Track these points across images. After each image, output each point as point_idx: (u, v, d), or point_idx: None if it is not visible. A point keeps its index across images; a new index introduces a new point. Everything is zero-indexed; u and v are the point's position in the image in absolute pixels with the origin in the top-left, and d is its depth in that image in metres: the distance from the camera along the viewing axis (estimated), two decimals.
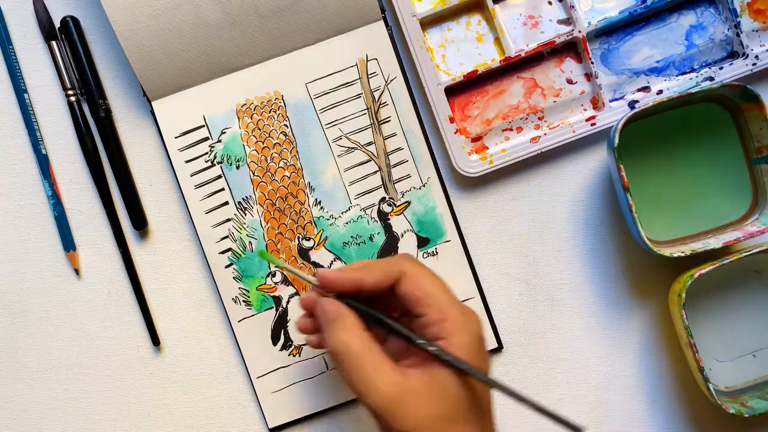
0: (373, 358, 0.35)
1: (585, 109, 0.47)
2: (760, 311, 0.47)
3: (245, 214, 0.47)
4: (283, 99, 0.47)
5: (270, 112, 0.47)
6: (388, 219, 0.47)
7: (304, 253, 0.47)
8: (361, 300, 0.38)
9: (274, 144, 0.47)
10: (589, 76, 0.47)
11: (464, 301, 0.47)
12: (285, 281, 0.47)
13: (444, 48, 0.48)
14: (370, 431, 0.48)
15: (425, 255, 0.47)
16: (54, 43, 0.47)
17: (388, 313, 0.38)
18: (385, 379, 0.34)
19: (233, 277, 0.47)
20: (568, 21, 0.47)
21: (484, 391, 0.37)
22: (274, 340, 0.47)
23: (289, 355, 0.47)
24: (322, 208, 0.47)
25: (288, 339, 0.47)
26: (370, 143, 0.47)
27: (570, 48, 0.47)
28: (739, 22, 0.46)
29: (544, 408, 0.35)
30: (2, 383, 0.48)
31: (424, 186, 0.47)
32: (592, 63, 0.47)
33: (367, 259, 0.47)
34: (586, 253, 0.48)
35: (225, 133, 0.47)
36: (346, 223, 0.47)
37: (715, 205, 0.47)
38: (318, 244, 0.47)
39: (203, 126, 0.47)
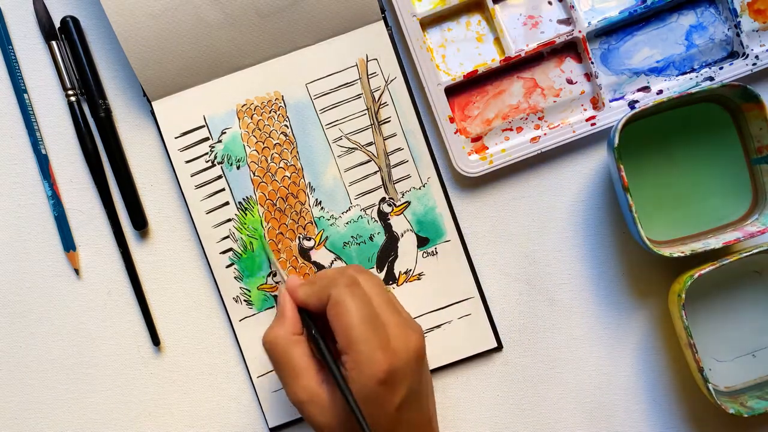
0: (295, 361, 0.40)
1: (585, 109, 0.47)
2: (760, 311, 0.47)
3: (246, 215, 0.47)
4: (283, 99, 0.47)
5: (270, 113, 0.47)
6: (388, 219, 0.47)
7: (304, 253, 0.47)
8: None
9: (275, 144, 0.47)
10: (589, 76, 0.47)
11: (463, 300, 0.47)
12: None
13: (444, 48, 0.48)
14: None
15: (425, 255, 0.47)
16: (54, 43, 0.47)
17: None
18: (300, 382, 0.39)
19: (234, 277, 0.47)
20: (568, 21, 0.47)
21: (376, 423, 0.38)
22: None
23: None
24: (322, 208, 0.47)
25: None
26: (370, 143, 0.47)
27: (570, 48, 0.47)
28: (739, 22, 0.46)
29: None
30: (2, 383, 0.48)
31: (424, 186, 0.47)
32: (592, 63, 0.47)
33: (325, 270, 0.46)
34: (586, 253, 0.48)
35: (225, 133, 0.47)
36: (347, 223, 0.47)
37: (715, 205, 0.47)
38: (319, 244, 0.47)
39: (203, 126, 0.47)
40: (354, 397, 0.37)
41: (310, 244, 0.47)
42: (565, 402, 0.48)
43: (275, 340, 0.40)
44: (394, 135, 0.47)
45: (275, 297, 0.47)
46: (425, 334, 0.47)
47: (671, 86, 0.47)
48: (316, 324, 0.41)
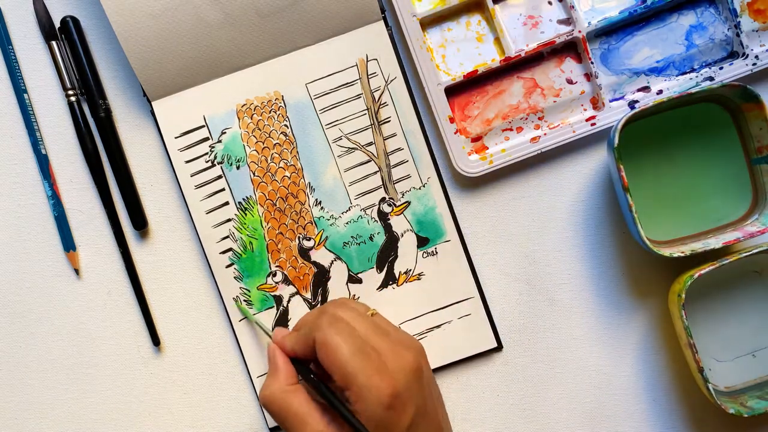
0: (296, 409, 0.40)
1: (585, 109, 0.47)
2: (760, 311, 0.47)
3: (246, 215, 0.47)
4: (283, 99, 0.47)
5: (270, 113, 0.47)
6: (388, 219, 0.47)
7: (304, 253, 0.47)
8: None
9: (275, 144, 0.47)
10: (589, 76, 0.47)
11: (463, 300, 0.47)
12: (286, 281, 0.47)
13: (444, 48, 0.48)
14: None
15: (425, 255, 0.47)
16: (54, 43, 0.47)
17: None
18: (306, 429, 0.39)
19: (234, 277, 0.47)
20: (568, 21, 0.47)
21: None
22: None
23: None
24: (322, 208, 0.47)
25: None
26: (370, 143, 0.47)
27: (570, 48, 0.47)
28: (739, 22, 0.46)
29: None
30: (2, 383, 0.48)
31: (424, 186, 0.47)
32: (592, 63, 0.47)
33: (307, 314, 0.45)
34: (586, 253, 0.48)
35: (225, 133, 0.47)
36: (347, 223, 0.47)
37: (715, 205, 0.47)
38: (318, 244, 0.47)
39: (203, 126, 0.47)
40: (365, 427, 0.37)
41: (310, 244, 0.47)
42: (565, 402, 0.48)
43: (272, 395, 0.40)
44: (394, 135, 0.47)
45: (275, 297, 0.47)
46: (425, 335, 0.47)
47: (671, 86, 0.47)
48: (311, 368, 0.41)
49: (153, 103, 0.47)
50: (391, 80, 0.47)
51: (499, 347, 0.48)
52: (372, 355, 0.39)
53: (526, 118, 0.47)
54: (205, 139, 0.47)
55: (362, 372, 0.38)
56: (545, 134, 0.47)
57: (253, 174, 0.47)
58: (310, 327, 0.40)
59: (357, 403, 0.38)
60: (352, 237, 0.47)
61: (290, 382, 0.41)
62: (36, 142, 0.48)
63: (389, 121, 0.47)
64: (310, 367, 0.42)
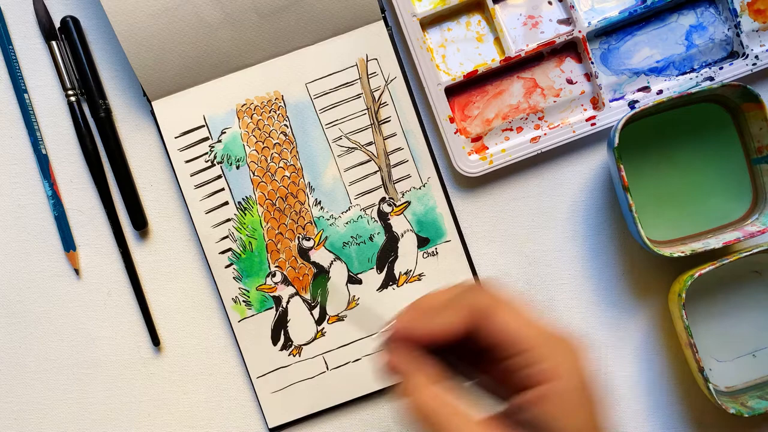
0: (452, 416, 0.30)
1: (585, 109, 0.47)
2: (760, 311, 0.47)
3: (245, 214, 0.47)
4: (283, 99, 0.47)
5: (270, 112, 0.47)
6: (388, 219, 0.47)
7: (304, 253, 0.47)
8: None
9: (274, 144, 0.47)
10: (589, 76, 0.47)
11: None
12: (285, 281, 0.47)
13: (444, 48, 0.48)
14: (368, 431, 0.48)
15: (425, 255, 0.47)
16: (54, 43, 0.47)
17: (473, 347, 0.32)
18: None
19: (233, 277, 0.47)
20: (568, 21, 0.47)
21: None
22: (274, 340, 0.47)
23: (289, 355, 0.47)
24: (322, 208, 0.47)
25: (288, 339, 0.47)
26: (370, 143, 0.47)
27: (570, 48, 0.47)
28: (739, 22, 0.46)
29: None
30: (2, 383, 0.48)
31: (424, 186, 0.47)
32: (592, 63, 0.47)
33: (431, 294, 0.34)
34: (586, 253, 0.48)
35: (225, 133, 0.47)
36: (346, 223, 0.47)
37: (715, 205, 0.47)
38: (318, 244, 0.47)
39: (203, 126, 0.47)
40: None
41: (310, 244, 0.47)
42: None
43: (422, 403, 0.31)
44: (394, 135, 0.47)
45: (274, 297, 0.47)
46: None
47: (671, 86, 0.47)
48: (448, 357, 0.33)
49: (153, 103, 0.47)
50: (391, 80, 0.47)
51: None
52: (550, 331, 0.31)
53: (526, 118, 0.47)
54: (205, 139, 0.47)
55: (549, 341, 0.30)
56: (545, 134, 0.47)
57: (253, 174, 0.47)
58: (461, 301, 0.31)
59: (553, 380, 0.29)
60: (351, 237, 0.47)
61: (434, 379, 0.32)
62: (36, 142, 0.48)
63: (389, 120, 0.47)
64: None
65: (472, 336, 0.31)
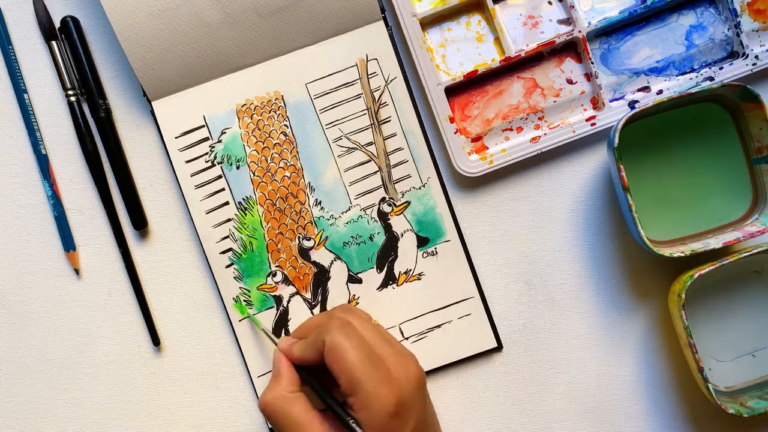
0: (296, 417, 0.39)
1: (585, 109, 0.47)
2: (760, 311, 0.47)
3: (245, 214, 0.47)
4: (283, 99, 0.47)
5: (270, 112, 0.47)
6: (388, 219, 0.47)
7: (304, 253, 0.47)
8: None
9: (275, 144, 0.47)
10: (589, 76, 0.47)
11: (463, 300, 0.47)
12: (286, 281, 0.47)
13: (444, 48, 0.48)
14: None
15: (425, 255, 0.47)
16: (54, 43, 0.47)
17: None
18: None
19: (234, 277, 0.47)
20: (568, 21, 0.47)
21: None
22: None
23: None
24: (322, 208, 0.47)
25: None
26: (370, 143, 0.47)
27: (570, 48, 0.47)
28: (739, 22, 0.46)
29: None
30: (2, 383, 0.48)
31: (424, 186, 0.47)
32: (592, 63, 0.47)
33: (312, 318, 0.46)
34: (586, 253, 0.48)
35: (225, 133, 0.47)
36: (347, 223, 0.47)
37: (715, 205, 0.47)
38: (318, 244, 0.47)
39: (203, 126, 0.47)
40: None
41: (310, 244, 0.47)
42: (565, 402, 0.48)
43: (273, 401, 0.40)
44: (394, 135, 0.47)
45: (275, 297, 0.47)
46: (425, 335, 0.47)
47: (671, 86, 0.47)
48: (315, 376, 0.42)
49: (153, 103, 0.47)
50: (391, 80, 0.47)
51: (499, 347, 0.48)
52: (379, 363, 0.39)
53: (526, 118, 0.47)
54: (205, 139, 0.47)
55: (370, 379, 0.38)
56: (545, 134, 0.47)
57: (253, 174, 0.47)
58: (319, 330, 0.40)
59: (361, 411, 0.38)
60: (352, 237, 0.47)
61: (292, 389, 0.41)
62: (36, 142, 0.48)
63: (389, 121, 0.47)
64: (315, 376, 0.42)
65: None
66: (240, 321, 0.47)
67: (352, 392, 0.38)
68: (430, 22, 0.47)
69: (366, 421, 0.38)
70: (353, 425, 0.38)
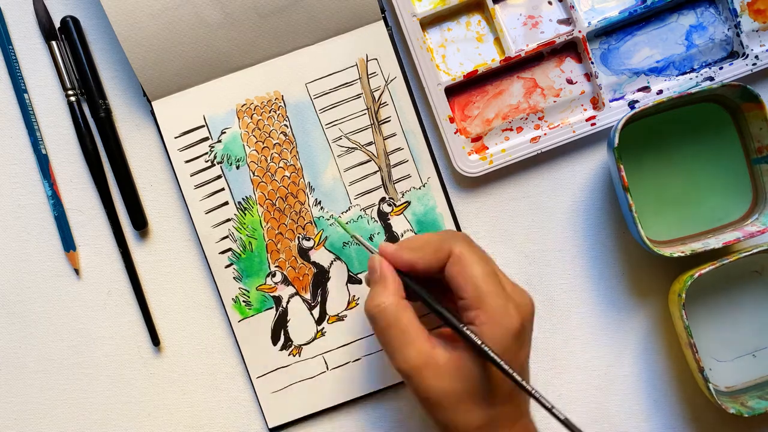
0: (405, 326, 0.37)
1: (585, 109, 0.47)
2: (760, 311, 0.47)
3: (245, 214, 0.47)
4: (283, 99, 0.47)
5: (270, 112, 0.47)
6: (388, 219, 0.47)
7: (304, 253, 0.47)
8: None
9: (274, 144, 0.47)
10: (589, 76, 0.47)
11: None
12: (285, 281, 0.47)
13: (444, 48, 0.48)
14: (368, 431, 0.48)
15: None
16: (54, 43, 0.47)
17: (444, 287, 0.39)
18: (413, 348, 0.36)
19: (233, 277, 0.47)
20: (568, 21, 0.47)
21: (505, 381, 0.37)
22: (274, 340, 0.47)
23: (289, 355, 0.47)
24: (322, 208, 0.47)
25: (288, 339, 0.47)
26: (370, 143, 0.47)
27: (570, 48, 0.47)
28: (739, 22, 0.46)
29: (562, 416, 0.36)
30: (2, 383, 0.48)
31: (424, 186, 0.47)
32: (592, 63, 0.47)
33: (420, 235, 0.45)
34: (586, 253, 0.48)
35: (225, 133, 0.47)
36: (347, 223, 0.47)
37: (715, 205, 0.47)
38: (318, 244, 0.47)
39: (203, 126, 0.47)
40: (491, 350, 0.35)
41: (310, 244, 0.47)
42: (566, 402, 0.48)
43: (383, 306, 0.37)
44: (394, 135, 0.47)
45: (274, 297, 0.47)
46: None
47: (671, 86, 0.47)
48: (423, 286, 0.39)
49: (153, 103, 0.47)
50: (391, 80, 0.47)
51: None
52: (501, 285, 0.37)
53: (526, 118, 0.47)
54: (205, 139, 0.47)
55: (498, 296, 0.36)
56: (545, 134, 0.47)
57: (253, 174, 0.47)
58: (442, 239, 0.38)
59: (485, 325, 0.36)
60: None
61: (401, 295, 0.38)
62: (36, 142, 0.48)
63: (389, 120, 0.47)
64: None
65: (441, 273, 0.38)
66: (240, 321, 0.47)
67: (478, 305, 0.36)
68: (430, 22, 0.47)
69: (491, 337, 0.35)
70: (473, 336, 0.36)
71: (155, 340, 0.48)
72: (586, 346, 0.48)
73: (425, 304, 0.38)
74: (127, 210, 0.48)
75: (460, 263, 0.37)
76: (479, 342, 0.36)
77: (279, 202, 0.47)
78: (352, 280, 0.47)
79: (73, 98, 0.48)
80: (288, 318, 0.47)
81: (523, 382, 0.35)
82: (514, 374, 0.35)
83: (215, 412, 0.48)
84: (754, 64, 0.46)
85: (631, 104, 0.47)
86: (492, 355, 0.35)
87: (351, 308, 0.47)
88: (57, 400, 0.48)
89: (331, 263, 0.47)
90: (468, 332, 0.36)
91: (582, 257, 0.48)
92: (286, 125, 0.47)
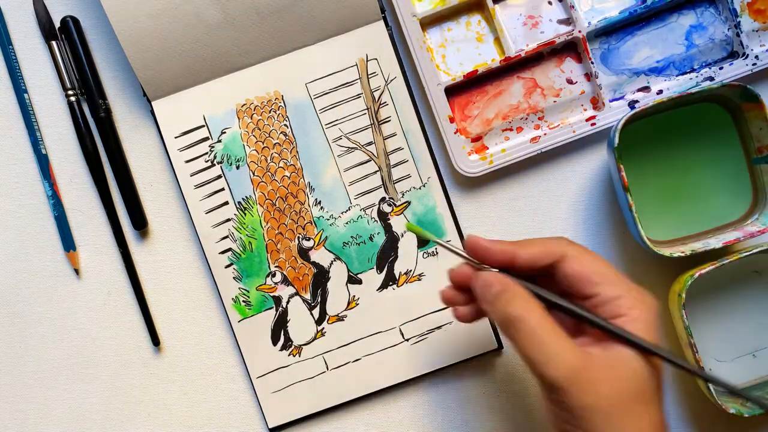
0: (552, 330, 0.34)
1: (585, 109, 0.47)
2: (760, 311, 0.47)
3: (245, 214, 0.47)
4: (283, 99, 0.47)
5: (270, 112, 0.47)
6: (388, 219, 0.47)
7: (304, 253, 0.47)
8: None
9: (274, 144, 0.47)
10: (589, 76, 0.47)
11: None
12: (285, 281, 0.47)
13: (444, 48, 0.48)
14: (368, 431, 0.48)
15: (425, 255, 0.47)
16: (54, 43, 0.47)
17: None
18: (569, 353, 0.33)
19: (233, 277, 0.47)
20: (568, 21, 0.47)
21: (661, 371, 0.35)
22: (274, 340, 0.47)
23: (289, 355, 0.47)
24: (322, 208, 0.47)
25: (288, 339, 0.47)
26: (370, 143, 0.47)
27: (570, 48, 0.47)
28: (739, 22, 0.46)
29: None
30: (2, 383, 0.48)
31: (424, 186, 0.47)
32: (592, 63, 0.47)
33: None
34: None
35: (225, 133, 0.47)
36: (346, 223, 0.47)
37: (715, 205, 0.47)
38: (318, 244, 0.47)
39: (203, 126, 0.47)
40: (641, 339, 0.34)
41: (310, 244, 0.47)
42: None
43: (525, 312, 0.34)
44: (394, 135, 0.47)
45: (274, 298, 0.47)
46: (425, 336, 0.47)
47: (671, 86, 0.47)
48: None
49: (153, 103, 0.47)
50: (391, 80, 0.47)
51: (499, 348, 0.48)
52: (627, 279, 0.36)
53: (526, 118, 0.47)
54: (205, 139, 0.47)
55: (629, 281, 0.35)
56: (545, 134, 0.47)
57: (253, 174, 0.47)
58: (548, 242, 0.36)
59: (633, 310, 0.34)
60: (351, 237, 0.47)
61: (535, 301, 0.35)
62: (36, 142, 0.48)
63: (389, 120, 0.47)
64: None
65: (548, 274, 0.36)
66: (240, 321, 0.47)
67: (617, 293, 0.34)
68: (430, 22, 0.47)
69: (644, 319, 0.34)
70: (627, 333, 0.34)
71: (155, 340, 0.48)
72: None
73: (557, 308, 0.36)
74: (127, 210, 0.48)
75: (581, 261, 0.35)
76: (636, 338, 0.34)
77: (279, 202, 0.47)
78: (352, 280, 0.47)
79: (73, 98, 0.48)
80: (288, 318, 0.47)
81: (695, 369, 0.34)
82: (682, 362, 0.34)
83: (215, 412, 0.48)
84: (754, 64, 0.46)
85: (631, 104, 0.47)
86: (651, 347, 0.34)
87: (351, 308, 0.47)
88: (57, 400, 0.48)
89: (331, 263, 0.47)
90: (618, 329, 0.34)
91: None
92: (286, 125, 0.47)
